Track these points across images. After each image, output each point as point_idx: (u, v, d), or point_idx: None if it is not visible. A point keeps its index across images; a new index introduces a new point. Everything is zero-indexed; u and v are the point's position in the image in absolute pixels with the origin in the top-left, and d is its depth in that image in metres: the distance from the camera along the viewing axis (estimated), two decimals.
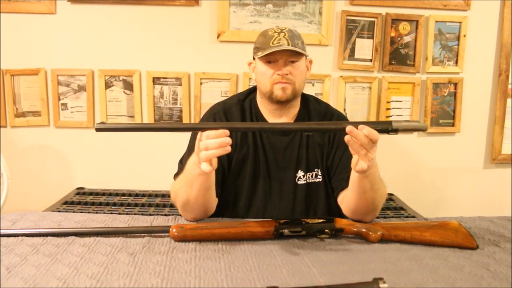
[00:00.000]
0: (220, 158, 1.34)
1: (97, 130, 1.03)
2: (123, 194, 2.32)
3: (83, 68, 2.41)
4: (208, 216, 1.28)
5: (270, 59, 1.31)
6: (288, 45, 1.28)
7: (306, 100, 1.46)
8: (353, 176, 1.16)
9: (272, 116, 1.39)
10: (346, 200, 1.26)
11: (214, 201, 1.25)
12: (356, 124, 1.03)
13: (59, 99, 2.43)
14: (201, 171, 1.08)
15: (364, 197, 1.17)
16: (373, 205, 1.21)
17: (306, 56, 1.35)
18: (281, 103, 1.35)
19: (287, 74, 1.30)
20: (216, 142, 1.02)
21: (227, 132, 1.03)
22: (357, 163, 1.07)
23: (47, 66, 2.40)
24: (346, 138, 1.03)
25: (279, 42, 1.29)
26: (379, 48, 2.45)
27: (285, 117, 1.39)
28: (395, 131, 1.05)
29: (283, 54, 1.29)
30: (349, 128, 1.02)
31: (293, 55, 1.29)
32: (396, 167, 2.50)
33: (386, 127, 1.05)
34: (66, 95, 2.43)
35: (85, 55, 2.41)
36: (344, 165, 1.35)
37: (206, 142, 1.03)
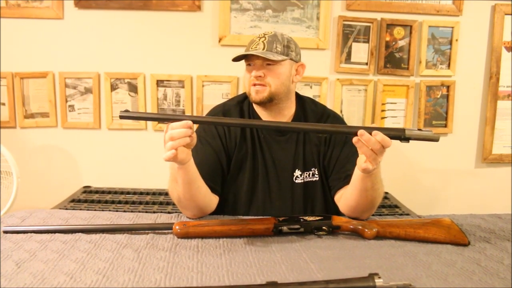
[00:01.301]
0: (220, 158, 1.34)
1: (121, 117, 1.06)
2: (128, 193, 2.32)
3: (89, 71, 2.41)
4: (208, 214, 1.28)
5: (249, 61, 1.33)
6: (264, 49, 1.29)
7: (303, 101, 1.46)
8: (356, 175, 1.16)
9: (267, 117, 1.39)
10: (346, 197, 1.26)
11: (205, 197, 1.24)
12: (370, 129, 1.03)
13: (66, 101, 2.43)
14: (179, 165, 1.11)
15: (364, 195, 1.17)
16: (372, 203, 1.21)
17: (295, 61, 1.35)
18: (260, 105, 1.36)
19: (260, 76, 1.30)
20: (181, 131, 1.03)
21: (189, 123, 1.04)
22: (362, 163, 1.07)
23: (55, 69, 2.40)
24: (354, 139, 1.03)
25: (256, 47, 1.30)
26: (375, 52, 2.45)
27: (279, 119, 1.39)
28: (407, 139, 1.04)
29: (259, 57, 1.30)
30: (361, 132, 1.02)
31: (269, 60, 1.30)
32: (391, 167, 2.50)
33: (399, 135, 1.04)
34: (73, 97, 2.43)
35: (91, 58, 2.41)
36: (341, 165, 1.34)
37: (171, 133, 1.03)
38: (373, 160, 1.04)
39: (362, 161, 1.08)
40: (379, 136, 1.01)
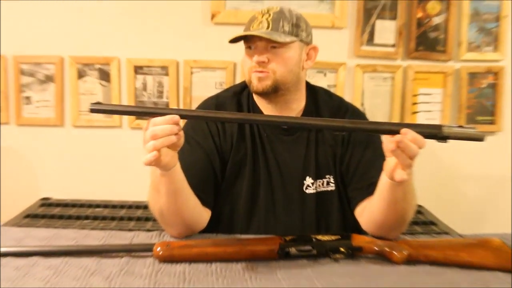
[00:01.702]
0: (212, 163, 1.34)
1: (92, 111, 1.05)
2: (98, 206, 2.31)
3: (51, 54, 2.40)
4: (197, 232, 1.27)
5: (249, 43, 1.33)
6: (268, 28, 1.29)
7: (315, 92, 1.45)
8: (384, 183, 1.15)
9: (270, 112, 1.39)
10: (369, 211, 1.25)
11: (194, 211, 1.24)
12: (398, 126, 1.03)
13: (21, 92, 2.43)
14: (162, 171, 1.10)
15: (394, 208, 1.17)
16: (402, 218, 1.20)
17: (306, 43, 1.36)
18: (263, 97, 1.36)
19: (263, 62, 1.30)
20: (165, 128, 1.02)
21: (176, 118, 1.03)
22: (395, 170, 1.07)
23: (7, 53, 2.40)
24: (390, 145, 1.02)
25: (258, 26, 1.31)
26: (404, 31, 2.44)
27: (285, 114, 1.39)
28: (445, 138, 1.03)
29: (262, 39, 1.30)
30: (404, 131, 1.01)
31: (273, 41, 1.30)
32: (424, 173, 2.48)
33: (434, 133, 1.03)
34: (30, 87, 2.43)
35: (53, 39, 2.40)
36: (363, 171, 1.34)
37: (154, 130, 1.02)
38: (408, 167, 1.05)
39: (391, 166, 1.07)
40: (409, 135, 1.02)
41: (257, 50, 1.31)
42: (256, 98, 1.42)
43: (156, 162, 1.05)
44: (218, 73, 2.43)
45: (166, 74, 2.43)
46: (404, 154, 1.02)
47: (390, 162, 1.09)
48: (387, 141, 1.04)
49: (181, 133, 1.07)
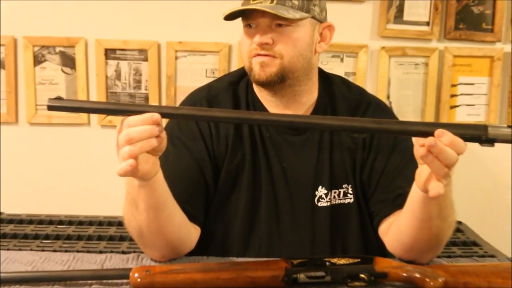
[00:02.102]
0: (203, 170, 1.34)
1: (50, 108, 1.05)
2: (61, 222, 2.31)
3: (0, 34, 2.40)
4: (184, 254, 1.28)
5: (249, 21, 1.32)
6: (272, 2, 1.27)
7: (330, 82, 1.45)
8: (416, 196, 1.15)
9: (274, 107, 1.39)
10: (397, 229, 1.25)
11: (179, 229, 1.23)
12: (431, 126, 1.01)
13: None
14: (140, 182, 1.09)
15: (427, 226, 1.17)
16: (438, 238, 1.21)
17: (319, 21, 1.36)
18: (266, 87, 1.35)
19: (267, 44, 1.29)
20: (144, 130, 1.01)
21: (156, 117, 1.01)
22: (429, 181, 1.05)
23: None
24: (421, 150, 1.01)
25: None
26: (440, 5, 2.45)
27: (294, 110, 1.39)
28: (491, 141, 1.01)
29: (265, 14, 1.29)
30: (438, 132, 0.99)
31: (280, 17, 1.27)
32: (465, 183, 2.49)
33: (477, 134, 1.01)
34: None
35: (4, 15, 2.40)
36: (389, 179, 1.34)
37: (129, 132, 1.01)
38: (443, 177, 1.03)
39: (424, 176, 1.06)
40: (445, 137, 0.99)
41: (259, 29, 1.30)
42: (256, 89, 1.41)
43: (132, 172, 1.02)
44: (210, 58, 2.44)
45: (145, 59, 2.44)
46: (439, 162, 1.00)
47: (422, 171, 1.08)
48: (418, 146, 1.02)
49: (163, 134, 1.05)
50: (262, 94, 1.41)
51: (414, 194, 1.16)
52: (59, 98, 1.05)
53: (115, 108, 1.06)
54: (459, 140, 1.00)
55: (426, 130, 1.02)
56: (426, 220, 1.16)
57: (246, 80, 1.44)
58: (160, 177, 1.13)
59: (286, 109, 1.39)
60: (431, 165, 1.02)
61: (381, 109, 1.45)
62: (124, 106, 1.07)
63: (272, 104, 1.40)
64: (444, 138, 0.99)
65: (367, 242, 1.39)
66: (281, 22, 1.29)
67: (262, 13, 1.28)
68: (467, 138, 1.02)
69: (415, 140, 1.05)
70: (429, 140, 0.99)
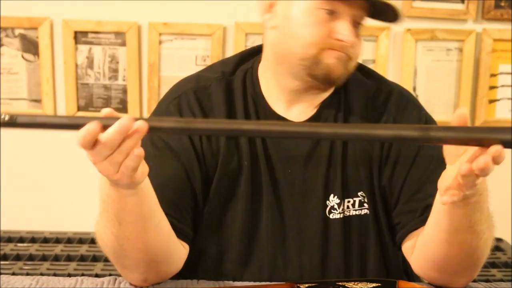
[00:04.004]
0: (191, 179, 1.34)
1: (4, 125, 1.04)
2: (21, 240, 2.32)
3: None
4: (170, 277, 1.27)
5: (335, 7, 1.32)
6: None
7: None
8: (439, 205, 1.16)
9: (285, 100, 1.39)
10: (423, 244, 1.24)
11: (168, 243, 1.23)
12: (472, 132, 1.00)
13: None
14: (126, 189, 1.07)
15: (455, 241, 1.16)
16: (472, 258, 1.20)
17: None
18: (326, 87, 1.36)
19: (350, 45, 1.30)
20: (129, 144, 1.02)
21: (126, 123, 1.01)
22: (448, 192, 1.06)
23: None
24: (464, 169, 1.00)
25: None
26: None
27: (306, 102, 1.39)
28: None
29: (357, 7, 1.29)
30: (493, 152, 0.98)
31: (367, 12, 1.30)
32: (504, 195, 2.50)
33: None
34: None
35: None
36: (415, 186, 1.32)
37: (119, 149, 1.02)
38: (470, 187, 1.04)
39: (447, 182, 1.07)
40: (493, 151, 0.98)
41: (349, 25, 1.29)
42: (267, 77, 1.40)
43: (130, 178, 1.03)
44: (200, 42, 2.45)
45: (123, 44, 2.44)
46: (475, 176, 0.99)
47: (447, 173, 1.08)
48: (460, 161, 1.00)
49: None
50: (279, 82, 1.39)
51: (438, 202, 1.16)
52: (11, 120, 1.03)
53: (77, 122, 1.04)
54: (503, 152, 1.00)
55: (463, 136, 1.00)
56: (454, 233, 1.16)
57: (244, 70, 1.43)
58: (148, 181, 1.14)
59: (298, 101, 1.39)
60: (465, 180, 1.02)
61: (405, 100, 1.44)
62: (81, 119, 1.03)
63: (283, 96, 1.39)
64: (492, 151, 0.97)
65: (388, 260, 1.39)
66: (363, 20, 1.32)
67: (355, 5, 1.29)
68: (506, 144, 1.01)
69: (446, 148, 1.04)
70: (482, 161, 0.96)
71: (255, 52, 1.48)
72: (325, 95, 1.41)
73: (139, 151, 1.01)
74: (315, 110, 1.40)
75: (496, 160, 0.95)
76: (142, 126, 0.99)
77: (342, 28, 1.29)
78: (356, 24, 1.31)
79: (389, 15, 1.32)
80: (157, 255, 1.23)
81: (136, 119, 0.99)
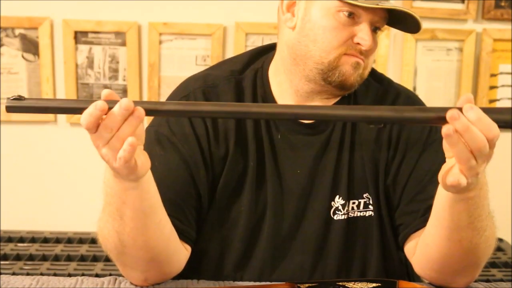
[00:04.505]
0: (195, 178, 1.34)
1: (9, 110, 1.04)
2: (21, 240, 2.32)
3: None
4: (171, 277, 1.27)
5: (358, 11, 1.30)
6: None
7: None
8: (440, 198, 1.15)
9: (295, 102, 1.37)
10: (423, 243, 1.25)
11: (169, 242, 1.22)
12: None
13: None
14: (129, 181, 1.07)
15: (456, 238, 1.16)
16: (473, 256, 1.20)
17: None
18: (339, 91, 1.35)
19: (370, 50, 1.30)
20: (131, 123, 1.00)
21: (128, 104, 0.99)
22: (450, 172, 1.06)
23: None
24: (445, 129, 1.01)
25: None
26: None
27: (316, 104, 1.39)
28: None
29: (376, 13, 1.29)
30: (451, 114, 1.00)
31: (385, 19, 1.31)
32: (505, 193, 2.49)
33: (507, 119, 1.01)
34: None
35: None
36: (419, 187, 1.33)
37: (117, 129, 1.00)
38: (469, 169, 1.04)
39: (445, 169, 1.07)
40: (472, 113, 1.00)
41: (368, 29, 1.29)
42: (280, 77, 1.40)
43: (130, 161, 1.02)
44: (200, 42, 2.44)
45: (123, 44, 2.44)
46: (463, 145, 1.00)
47: (447, 164, 1.07)
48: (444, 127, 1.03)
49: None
50: (292, 84, 1.38)
51: (438, 196, 1.16)
52: (19, 98, 1.05)
53: (75, 105, 1.05)
54: (487, 120, 1.00)
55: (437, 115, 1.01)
56: (455, 229, 1.16)
57: (254, 70, 1.42)
58: (150, 175, 1.14)
59: (310, 103, 1.40)
60: (454, 148, 1.03)
61: (412, 102, 1.45)
62: (84, 101, 1.05)
63: (295, 98, 1.39)
64: (471, 113, 0.99)
65: (389, 262, 1.39)
66: (381, 25, 1.31)
67: (375, 12, 1.29)
68: (501, 122, 1.01)
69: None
70: (451, 112, 0.99)
71: (264, 51, 1.47)
72: (336, 98, 1.41)
73: (132, 140, 1.00)
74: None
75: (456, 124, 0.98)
76: (140, 111, 1.00)
77: (362, 32, 1.29)
78: (375, 30, 1.31)
79: (409, 24, 1.31)
80: (158, 255, 1.22)
81: (136, 103, 1.00)
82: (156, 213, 1.19)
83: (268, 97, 1.41)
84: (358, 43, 1.29)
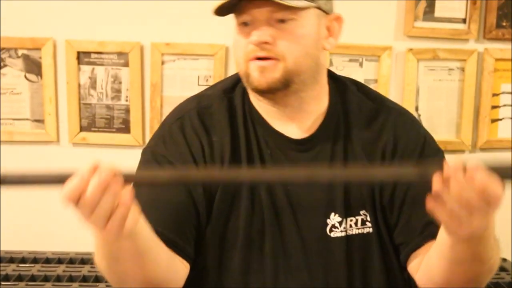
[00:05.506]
0: (193, 196, 1.34)
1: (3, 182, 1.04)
2: (23, 260, 2.32)
3: None
4: None
5: (244, 15, 1.31)
6: None
7: (343, 87, 1.43)
8: (442, 236, 1.15)
9: (277, 119, 1.38)
10: (428, 269, 1.25)
11: (167, 268, 1.23)
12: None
13: None
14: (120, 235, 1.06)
15: (460, 270, 1.17)
16: (476, 282, 1.20)
17: (325, 12, 1.34)
18: (266, 96, 1.36)
19: (266, 43, 1.28)
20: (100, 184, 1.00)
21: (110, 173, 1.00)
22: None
23: None
24: (429, 201, 1.02)
25: None
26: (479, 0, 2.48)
27: (299, 120, 1.38)
28: None
29: (262, 8, 1.28)
30: (436, 184, 1.01)
31: (281, 9, 1.27)
32: (507, 214, 2.48)
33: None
34: None
35: None
36: (416, 204, 1.31)
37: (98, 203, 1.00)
38: (461, 224, 1.04)
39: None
40: (479, 176, 0.98)
41: (255, 24, 1.28)
42: (254, 98, 1.41)
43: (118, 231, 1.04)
44: (203, 62, 2.45)
45: (125, 64, 2.45)
46: (456, 204, 1.00)
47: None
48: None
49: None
50: (261, 104, 1.40)
51: (441, 232, 1.15)
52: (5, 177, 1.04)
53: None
54: (488, 181, 0.98)
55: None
56: (459, 263, 1.16)
57: (242, 87, 1.43)
58: (142, 222, 1.13)
59: (291, 121, 1.38)
60: (439, 214, 1.05)
61: (404, 119, 1.43)
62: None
63: (274, 115, 1.39)
64: (476, 175, 0.98)
65: (392, 279, 1.38)
66: (282, 16, 1.29)
67: (259, 4, 1.28)
68: (503, 174, 0.98)
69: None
70: (435, 184, 1.01)
71: None
72: (320, 110, 1.41)
73: (125, 199, 1.02)
74: (313, 129, 1.40)
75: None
76: (117, 181, 1.00)
77: (252, 33, 1.29)
78: (275, 22, 1.29)
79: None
80: (157, 282, 1.23)
81: (116, 172, 1.01)
82: (151, 250, 1.20)
83: (254, 114, 1.42)
84: (252, 43, 1.29)
